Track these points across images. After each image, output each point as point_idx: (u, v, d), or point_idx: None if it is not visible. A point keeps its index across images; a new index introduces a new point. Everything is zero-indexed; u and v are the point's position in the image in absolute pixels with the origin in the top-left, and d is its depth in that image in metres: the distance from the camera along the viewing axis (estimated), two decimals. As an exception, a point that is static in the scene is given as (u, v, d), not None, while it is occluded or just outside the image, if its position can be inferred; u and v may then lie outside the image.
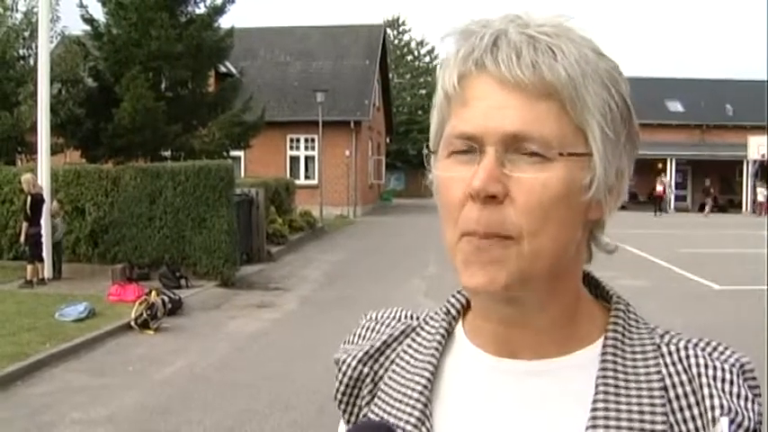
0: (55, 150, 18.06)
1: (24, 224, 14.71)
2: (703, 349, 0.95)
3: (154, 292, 12.20)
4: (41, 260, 14.91)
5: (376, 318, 1.13)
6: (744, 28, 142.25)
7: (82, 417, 7.62)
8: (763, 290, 14.67)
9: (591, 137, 0.91)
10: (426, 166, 0.99)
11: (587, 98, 0.90)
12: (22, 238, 14.77)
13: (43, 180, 15.44)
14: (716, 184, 46.31)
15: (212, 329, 11.79)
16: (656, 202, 40.11)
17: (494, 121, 0.89)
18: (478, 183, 0.88)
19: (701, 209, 42.32)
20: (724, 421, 0.90)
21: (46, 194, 15.23)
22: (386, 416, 1.01)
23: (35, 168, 15.98)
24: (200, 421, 7.51)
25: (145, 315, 11.41)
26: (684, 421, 0.91)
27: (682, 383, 0.92)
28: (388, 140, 48.08)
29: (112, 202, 16.59)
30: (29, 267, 14.60)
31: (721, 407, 0.89)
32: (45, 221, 15.03)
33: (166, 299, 12.29)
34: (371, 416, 1.04)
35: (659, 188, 40.26)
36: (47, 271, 15.09)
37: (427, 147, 1.00)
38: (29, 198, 14.69)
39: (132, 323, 11.41)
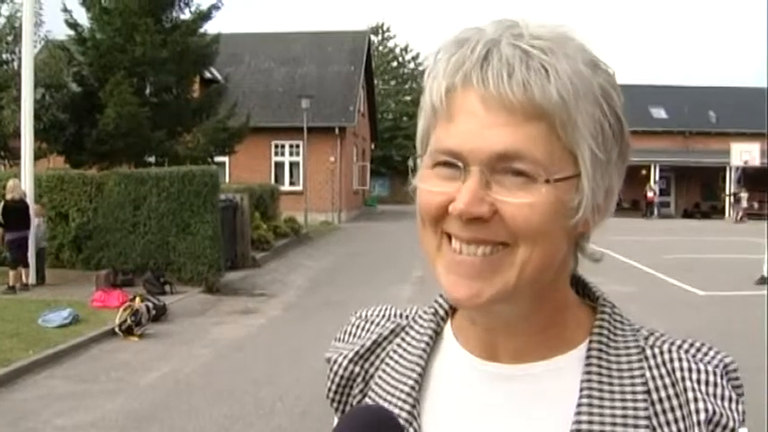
0: (38, 156, 17.98)
1: (0, 230, 14.65)
2: (687, 351, 0.96)
3: (138, 298, 12.16)
4: (26, 265, 14.83)
5: (366, 316, 1.14)
6: (727, 35, 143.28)
7: (65, 423, 7.59)
8: (747, 295, 14.80)
9: (581, 159, 0.89)
10: (410, 174, 0.97)
11: (579, 120, 0.88)
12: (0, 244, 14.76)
13: (27, 185, 15.36)
14: (699, 191, 46.64)
15: (197, 335, 11.76)
16: (646, 207, 42.15)
17: (480, 140, 0.87)
18: (462, 205, 0.87)
19: (688, 215, 42.90)
20: None
21: (30, 200, 15.16)
22: None
23: (18, 174, 15.90)
24: (184, 427, 7.49)
25: (129, 321, 11.37)
26: (668, 424, 0.91)
27: (665, 386, 0.93)
28: (372, 146, 48.13)
29: (96, 208, 16.54)
30: (11, 273, 14.52)
31: (706, 410, 0.90)
32: (32, 227, 14.97)
33: (151, 305, 12.25)
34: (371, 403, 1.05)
35: (650, 194, 42.48)
36: (30, 277, 15.01)
37: (413, 157, 0.98)
38: (1, 204, 14.65)
39: (116, 329, 11.36)
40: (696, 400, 0.91)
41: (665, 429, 0.91)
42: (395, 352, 1.07)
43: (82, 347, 10.68)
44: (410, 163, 0.98)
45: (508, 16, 0.94)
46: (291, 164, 36.23)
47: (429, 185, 0.92)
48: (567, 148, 0.88)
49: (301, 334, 11.63)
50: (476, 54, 0.88)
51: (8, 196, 14.67)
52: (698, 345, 0.97)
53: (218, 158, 24.20)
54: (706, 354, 0.96)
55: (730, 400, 0.92)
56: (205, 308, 14.09)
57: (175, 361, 10.15)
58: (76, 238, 16.64)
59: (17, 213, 14.65)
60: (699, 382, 0.92)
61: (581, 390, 0.93)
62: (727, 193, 42.12)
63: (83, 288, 14.57)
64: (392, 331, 1.09)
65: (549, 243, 0.90)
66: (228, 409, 8.02)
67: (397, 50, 69.39)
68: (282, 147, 36.18)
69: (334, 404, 1.10)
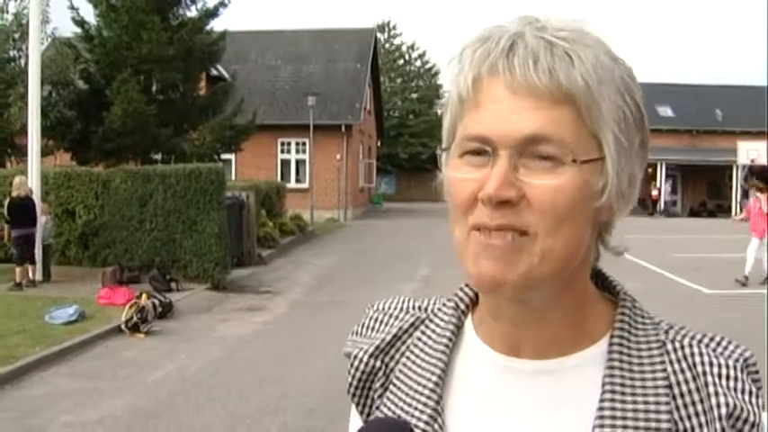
0: (45, 153, 18.02)
1: (6, 226, 14.74)
2: (707, 345, 0.97)
3: (144, 296, 12.17)
4: (33, 262, 14.88)
5: (383, 308, 1.14)
6: (734, 34, 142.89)
7: (72, 420, 7.60)
8: (753, 294, 14.77)
9: (605, 143, 0.91)
10: (438, 165, 1.00)
11: (602, 105, 0.91)
12: (6, 240, 14.82)
13: (34, 182, 15.40)
14: (705, 189, 46.52)
15: (203, 333, 11.78)
16: (652, 205, 42.62)
17: (508, 125, 0.89)
18: (491, 189, 0.88)
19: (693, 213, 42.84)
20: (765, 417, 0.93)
21: (36, 197, 15.20)
22: (398, 411, 1.03)
23: (25, 171, 15.94)
24: (190, 425, 7.51)
25: (135, 318, 11.39)
26: (689, 417, 0.93)
27: (686, 381, 0.94)
28: (378, 144, 48.10)
29: (103, 205, 16.56)
30: (17, 270, 14.55)
31: (727, 404, 0.92)
32: (39, 224, 15.02)
33: (157, 302, 12.27)
34: (384, 409, 1.06)
35: (654, 192, 43.04)
36: (37, 273, 15.05)
37: (439, 147, 1.00)
38: (7, 200, 14.73)
39: (122, 326, 11.39)
40: (717, 394, 0.92)
41: (687, 423, 0.92)
42: (415, 346, 1.07)
43: (88, 344, 10.71)
44: (438, 152, 1.00)
45: (524, 13, 0.96)
46: (298, 161, 36.26)
47: (459, 173, 0.94)
48: (591, 132, 0.91)
49: (307, 331, 11.64)
50: (500, 46, 0.91)
51: (14, 193, 14.71)
52: (718, 338, 0.98)
53: (225, 156, 24.22)
54: (726, 348, 0.97)
55: (750, 393, 0.93)
56: (211, 305, 14.12)
57: (182, 358, 10.17)
58: (83, 235, 16.67)
59: (24, 210, 14.69)
60: (720, 376, 0.94)
61: (603, 384, 0.95)
62: (746, 185, 41.82)
63: (89, 285, 14.60)
64: (412, 324, 1.09)
65: (575, 227, 0.92)
66: (235, 406, 8.03)
67: (404, 48, 69.26)
68: (289, 144, 36.21)
69: (355, 399, 1.11)
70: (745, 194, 40.92)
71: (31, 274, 14.80)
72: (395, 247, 23.98)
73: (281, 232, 23.45)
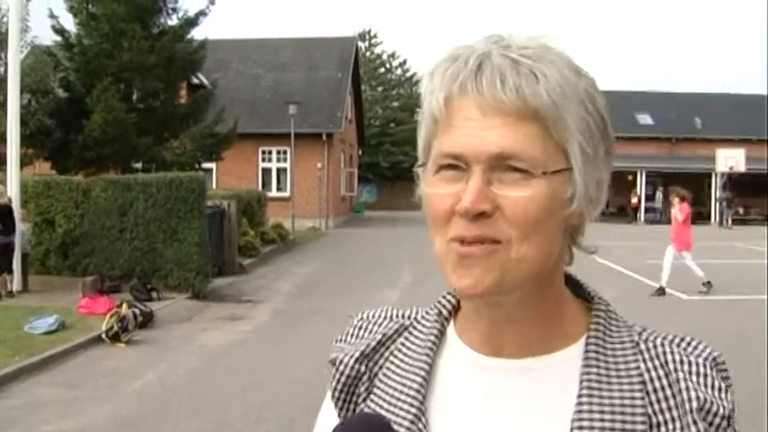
0: (24, 161, 17.90)
1: None
2: (678, 345, 1.03)
3: (125, 305, 12.11)
4: (11, 272, 14.76)
5: (368, 317, 1.19)
6: (713, 42, 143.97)
7: (52, 429, 7.56)
8: (730, 300, 14.88)
9: (572, 154, 0.96)
10: (416, 181, 1.04)
11: (568, 119, 0.95)
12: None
13: (13, 191, 15.30)
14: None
15: (183, 342, 11.74)
16: (633, 212, 43.08)
17: (480, 142, 0.94)
18: (467, 203, 0.93)
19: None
20: None
21: (15, 206, 15.08)
22: (383, 412, 1.06)
23: (4, 179, 15.83)
24: (172, 434, 7.48)
25: (116, 328, 11.34)
26: (662, 411, 0.98)
27: (659, 378, 1.00)
28: (360, 153, 48.13)
29: (83, 214, 16.46)
30: (-3, 279, 14.45)
31: (698, 399, 0.97)
32: (17, 233, 14.89)
33: (137, 311, 12.21)
34: (368, 411, 1.08)
35: (634, 200, 43.44)
36: (15, 283, 14.94)
37: (417, 166, 1.04)
38: None
39: (103, 336, 11.33)
40: (689, 389, 0.98)
41: (660, 417, 0.98)
42: (399, 351, 1.11)
43: (69, 354, 10.65)
44: (416, 170, 1.04)
45: (494, 29, 1.01)
46: (279, 170, 36.22)
47: (436, 189, 0.98)
48: (558, 145, 0.96)
49: (289, 340, 11.62)
50: (469, 66, 0.96)
51: (-7, 201, 14.60)
52: (688, 339, 1.04)
53: (206, 164, 24.11)
54: (696, 348, 1.03)
55: (720, 389, 0.99)
56: (192, 314, 14.06)
57: (162, 367, 10.13)
58: (63, 245, 16.55)
59: (2, 219, 14.56)
60: (690, 373, 1.00)
61: (581, 381, 1.00)
62: (720, 197, 42.17)
63: (69, 294, 14.50)
64: (396, 331, 1.14)
65: (547, 234, 0.97)
66: (216, 415, 8.01)
67: (385, 57, 69.32)
68: (270, 153, 36.17)
69: (339, 403, 1.14)
70: (729, 204, 41.26)
71: (9, 284, 14.69)
72: (376, 255, 23.98)
73: (263, 241, 23.39)
